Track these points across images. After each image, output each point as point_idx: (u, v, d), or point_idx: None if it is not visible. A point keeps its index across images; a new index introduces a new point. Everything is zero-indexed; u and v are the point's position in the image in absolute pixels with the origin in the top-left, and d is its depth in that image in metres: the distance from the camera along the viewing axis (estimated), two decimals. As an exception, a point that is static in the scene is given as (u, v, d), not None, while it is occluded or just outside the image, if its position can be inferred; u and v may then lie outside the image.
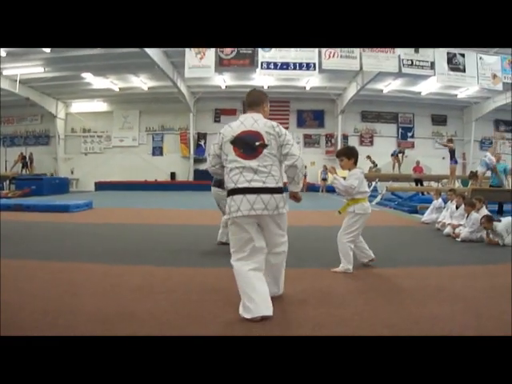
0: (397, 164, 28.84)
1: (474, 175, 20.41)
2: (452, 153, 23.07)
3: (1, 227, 10.54)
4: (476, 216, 10.57)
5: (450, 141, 24.14)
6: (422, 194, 23.13)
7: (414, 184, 26.75)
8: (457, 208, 11.92)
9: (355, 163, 7.46)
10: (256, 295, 4.63)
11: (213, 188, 9.06)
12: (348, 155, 7.32)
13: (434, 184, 26.70)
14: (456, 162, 23.47)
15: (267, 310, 4.60)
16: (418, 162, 28.70)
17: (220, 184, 8.38)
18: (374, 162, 31.00)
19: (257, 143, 4.93)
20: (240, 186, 4.87)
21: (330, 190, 30.92)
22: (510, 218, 10.24)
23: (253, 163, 4.89)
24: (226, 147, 5.03)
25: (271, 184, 4.90)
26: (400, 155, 29.34)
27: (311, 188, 36.25)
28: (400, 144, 31.13)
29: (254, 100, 5.47)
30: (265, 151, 4.94)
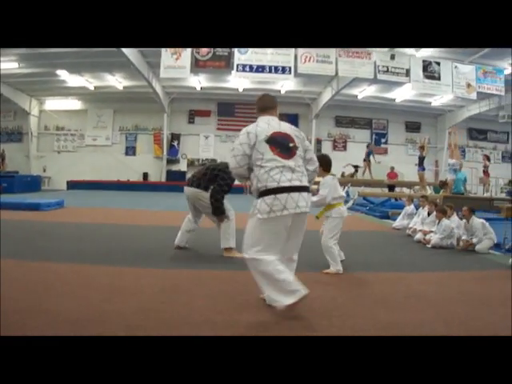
0: (367, 169, 28.82)
1: (444, 183, 20.68)
2: (421, 160, 23.34)
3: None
4: (447, 223, 10.68)
5: (422, 148, 24.36)
6: (396, 199, 23.25)
7: (386, 190, 26.91)
8: (428, 215, 12.01)
9: (327, 170, 7.67)
10: (292, 278, 4.88)
11: (190, 189, 8.63)
12: (320, 163, 7.21)
13: (406, 190, 26.85)
14: (423, 169, 23.71)
15: (305, 289, 4.77)
16: (392, 168, 28.90)
17: (206, 187, 8.37)
18: (356, 167, 31.20)
19: (290, 144, 5.16)
20: (283, 184, 4.96)
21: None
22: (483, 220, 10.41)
23: (290, 163, 5.06)
24: (261, 146, 5.09)
25: (306, 183, 5.16)
26: (371, 157, 29.36)
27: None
28: (369, 145, 31.12)
29: (270, 104, 5.61)
30: (297, 152, 5.18)
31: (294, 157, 5.14)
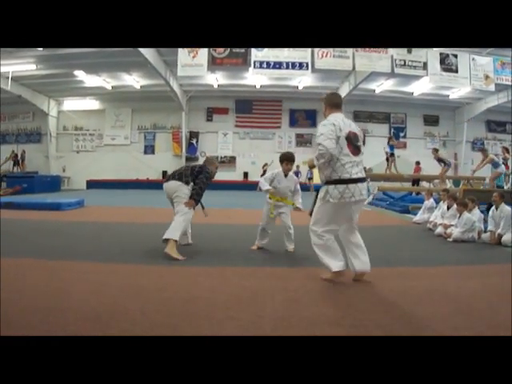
0: (393, 164, 28.21)
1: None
2: (440, 160, 23.33)
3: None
4: (468, 216, 10.59)
5: (436, 150, 24.35)
6: (417, 194, 23.09)
7: (405, 184, 26.73)
8: (448, 208, 11.93)
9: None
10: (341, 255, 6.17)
11: (169, 183, 8.66)
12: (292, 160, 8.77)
13: (425, 184, 26.66)
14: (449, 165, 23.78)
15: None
16: (417, 163, 28.64)
17: (187, 181, 8.46)
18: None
19: (358, 143, 6.14)
20: (354, 176, 5.97)
21: (317, 188, 30.79)
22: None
23: (357, 159, 6.09)
24: (342, 141, 5.93)
25: (363, 175, 6.18)
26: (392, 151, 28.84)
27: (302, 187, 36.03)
28: (390, 139, 30.77)
29: (340, 101, 6.43)
30: (362, 150, 6.24)
31: (359, 154, 6.13)
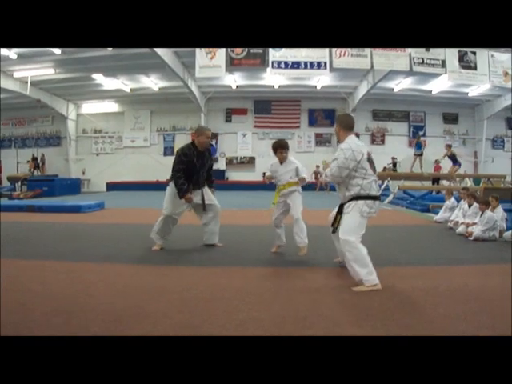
0: (419, 163, 27.82)
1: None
2: (452, 157, 23.25)
3: (13, 229, 10.55)
4: (490, 215, 10.51)
5: (449, 146, 24.28)
6: (438, 192, 22.97)
7: (425, 183, 26.61)
8: (469, 207, 11.86)
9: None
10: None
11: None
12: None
13: (445, 183, 26.52)
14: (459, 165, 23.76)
15: None
16: (437, 161, 28.47)
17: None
18: (393, 159, 31.06)
19: (374, 163, 6.51)
20: (378, 194, 6.51)
21: (334, 188, 30.72)
22: None
23: (376, 177, 6.53)
24: (364, 163, 6.28)
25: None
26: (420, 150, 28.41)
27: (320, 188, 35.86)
28: (417, 137, 30.42)
29: (353, 124, 6.84)
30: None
31: (375, 172, 6.53)
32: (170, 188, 8.87)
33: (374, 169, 6.42)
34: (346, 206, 6.37)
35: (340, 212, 6.47)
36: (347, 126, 6.67)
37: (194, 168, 8.64)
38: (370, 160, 6.39)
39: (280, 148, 8.55)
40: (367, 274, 5.97)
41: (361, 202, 6.24)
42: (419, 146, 27.80)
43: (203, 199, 8.89)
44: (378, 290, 5.83)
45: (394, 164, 31.74)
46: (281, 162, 8.57)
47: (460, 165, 24.32)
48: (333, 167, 6.34)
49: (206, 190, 9.05)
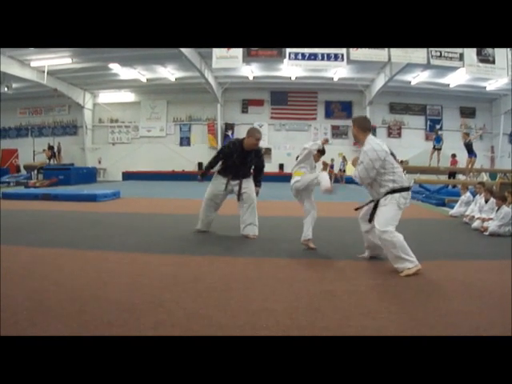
0: (438, 157, 27.55)
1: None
2: (469, 146, 23.07)
3: (29, 217, 10.60)
4: (507, 210, 10.44)
5: (467, 134, 24.11)
6: (453, 186, 22.84)
7: (441, 177, 26.45)
8: (486, 202, 11.79)
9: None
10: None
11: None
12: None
13: (461, 177, 26.35)
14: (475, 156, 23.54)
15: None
16: (453, 155, 28.28)
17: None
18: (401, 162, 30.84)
19: (395, 156, 6.86)
20: (410, 185, 6.86)
21: (349, 180, 30.65)
22: None
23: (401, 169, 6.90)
24: (390, 159, 6.68)
25: None
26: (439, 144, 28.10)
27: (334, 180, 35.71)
28: (436, 130, 30.27)
29: (370, 125, 7.17)
30: None
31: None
32: (213, 178, 9.61)
33: (397, 161, 6.80)
34: (382, 200, 6.72)
35: (375, 207, 6.86)
36: (364, 127, 6.94)
37: (233, 163, 9.16)
38: (392, 154, 6.77)
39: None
40: (410, 258, 6.40)
41: (397, 194, 6.61)
42: (438, 140, 27.62)
43: (240, 189, 9.25)
44: (416, 273, 6.28)
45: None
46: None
47: (476, 156, 24.04)
48: (360, 170, 6.69)
49: (247, 182, 9.40)
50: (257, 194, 9.50)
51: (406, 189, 6.72)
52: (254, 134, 9.18)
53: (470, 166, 23.29)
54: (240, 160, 9.08)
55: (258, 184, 9.61)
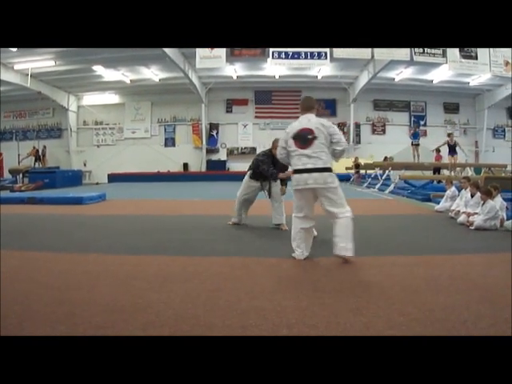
0: (416, 152, 27.94)
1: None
2: (452, 147, 23.45)
3: (15, 221, 10.57)
4: (492, 204, 10.50)
5: (449, 135, 24.47)
6: (439, 182, 22.97)
7: (426, 172, 26.60)
8: (472, 196, 11.84)
9: None
10: (300, 239, 7.05)
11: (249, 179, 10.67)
12: None
13: (446, 172, 26.50)
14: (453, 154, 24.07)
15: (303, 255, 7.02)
16: (438, 151, 28.46)
17: (257, 176, 10.39)
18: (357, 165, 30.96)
19: (309, 136, 6.81)
20: (300, 167, 6.84)
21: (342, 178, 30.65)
22: None
23: (307, 151, 6.80)
24: (289, 141, 6.98)
25: (320, 165, 6.73)
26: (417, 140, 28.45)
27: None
28: (415, 126, 30.61)
29: (310, 105, 7.34)
30: (315, 141, 6.79)
31: (311, 146, 6.80)
32: (246, 176, 10.79)
33: (301, 144, 6.87)
34: None
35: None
36: (303, 107, 7.34)
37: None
38: (298, 136, 6.93)
39: None
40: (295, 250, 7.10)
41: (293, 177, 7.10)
42: (416, 136, 27.88)
43: (269, 188, 10.40)
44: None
45: (357, 165, 31.43)
46: None
47: (457, 154, 24.50)
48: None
49: (275, 184, 10.46)
50: (283, 192, 10.55)
51: (295, 171, 6.96)
52: (274, 143, 9.91)
53: (454, 162, 23.53)
54: (274, 166, 9.95)
55: (283, 183, 10.60)
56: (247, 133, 41.84)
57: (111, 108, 43.08)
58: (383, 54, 26.29)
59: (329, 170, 6.80)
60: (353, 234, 6.73)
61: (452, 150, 24.80)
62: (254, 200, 10.97)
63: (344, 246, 6.66)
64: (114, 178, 39.08)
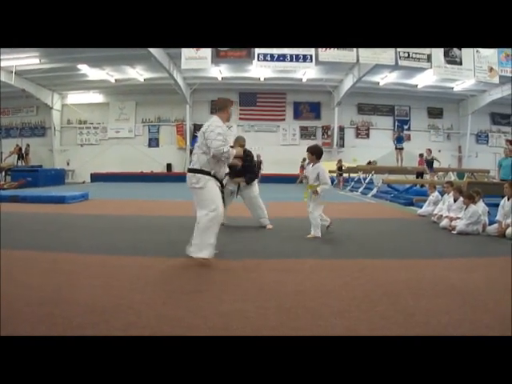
0: (399, 156, 28.19)
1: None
2: (429, 163, 23.81)
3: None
4: (475, 209, 10.55)
5: (429, 151, 24.78)
6: (422, 186, 23.09)
7: (409, 177, 26.75)
8: (454, 201, 11.88)
9: (319, 158, 9.79)
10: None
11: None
12: (312, 152, 9.81)
13: (429, 177, 26.64)
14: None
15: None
16: (421, 155, 28.61)
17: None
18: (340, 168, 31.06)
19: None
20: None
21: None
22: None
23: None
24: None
25: (194, 166, 6.95)
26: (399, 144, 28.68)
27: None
28: (399, 131, 30.90)
29: (219, 106, 7.72)
30: (195, 145, 7.28)
31: (194, 149, 7.23)
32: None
33: (192, 145, 7.19)
34: None
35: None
36: (214, 107, 7.62)
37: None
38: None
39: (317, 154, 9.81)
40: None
41: None
42: (400, 140, 28.03)
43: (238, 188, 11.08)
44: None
45: (340, 168, 31.54)
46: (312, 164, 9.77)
47: (434, 171, 24.98)
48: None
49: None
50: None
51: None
52: (238, 141, 11.07)
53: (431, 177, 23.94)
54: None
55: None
56: (231, 134, 41.76)
57: (95, 107, 42.88)
58: (368, 57, 26.38)
59: (194, 171, 6.93)
60: (209, 236, 6.77)
61: (429, 165, 25.03)
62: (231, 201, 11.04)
63: (195, 248, 6.74)
64: (97, 177, 38.96)
